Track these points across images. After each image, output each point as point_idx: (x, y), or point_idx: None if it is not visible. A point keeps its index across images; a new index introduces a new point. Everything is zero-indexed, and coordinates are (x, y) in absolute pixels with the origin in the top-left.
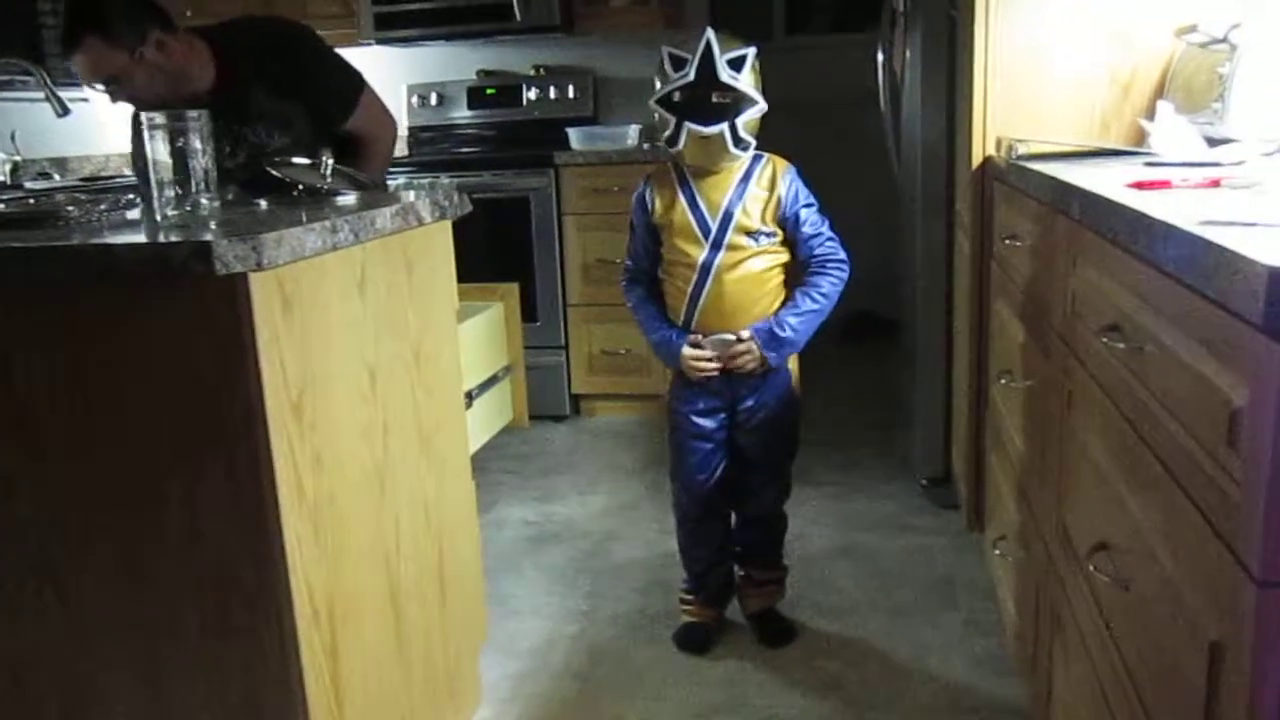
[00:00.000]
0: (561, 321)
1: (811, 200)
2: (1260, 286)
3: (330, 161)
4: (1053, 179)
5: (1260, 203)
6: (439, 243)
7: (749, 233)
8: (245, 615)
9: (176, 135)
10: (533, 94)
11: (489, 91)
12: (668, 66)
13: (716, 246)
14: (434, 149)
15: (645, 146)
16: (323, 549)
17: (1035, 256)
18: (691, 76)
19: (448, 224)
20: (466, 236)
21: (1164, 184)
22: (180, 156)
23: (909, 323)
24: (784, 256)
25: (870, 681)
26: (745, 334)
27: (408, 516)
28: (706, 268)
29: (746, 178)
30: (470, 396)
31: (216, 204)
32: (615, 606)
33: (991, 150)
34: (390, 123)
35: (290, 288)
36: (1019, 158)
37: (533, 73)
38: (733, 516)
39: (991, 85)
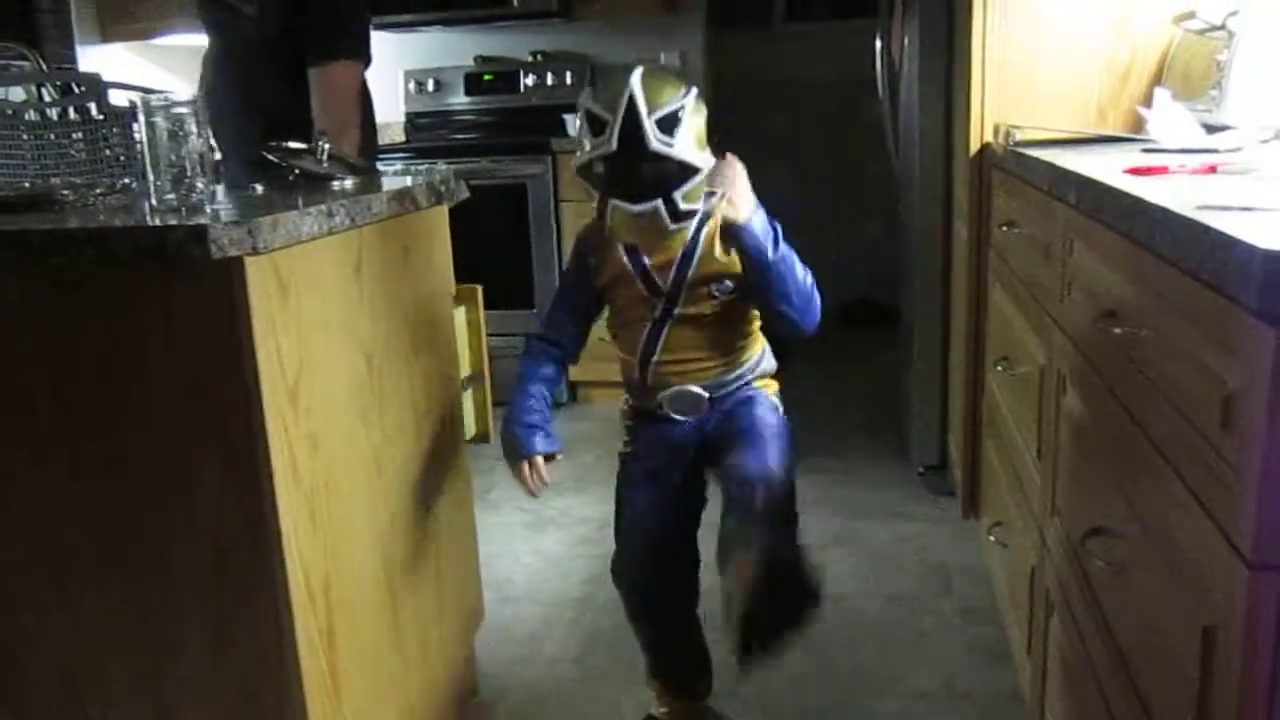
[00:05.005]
0: None
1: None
2: (1256, 270)
3: (327, 146)
4: (1050, 165)
5: (1257, 188)
6: (436, 228)
7: (706, 285)
8: (241, 598)
9: (174, 119)
10: (530, 80)
11: (486, 77)
12: (584, 128)
13: (672, 301)
14: (431, 135)
15: None
16: (318, 532)
17: (1032, 243)
18: (614, 146)
19: (444, 209)
20: (464, 222)
21: (1161, 170)
22: (176, 140)
23: (907, 309)
24: (749, 308)
25: (866, 667)
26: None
27: (403, 500)
28: (661, 320)
29: (699, 227)
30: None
31: (213, 189)
32: (612, 592)
33: (989, 137)
34: (351, 119)
35: (286, 272)
36: (1017, 144)
37: (530, 59)
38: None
39: (989, 72)
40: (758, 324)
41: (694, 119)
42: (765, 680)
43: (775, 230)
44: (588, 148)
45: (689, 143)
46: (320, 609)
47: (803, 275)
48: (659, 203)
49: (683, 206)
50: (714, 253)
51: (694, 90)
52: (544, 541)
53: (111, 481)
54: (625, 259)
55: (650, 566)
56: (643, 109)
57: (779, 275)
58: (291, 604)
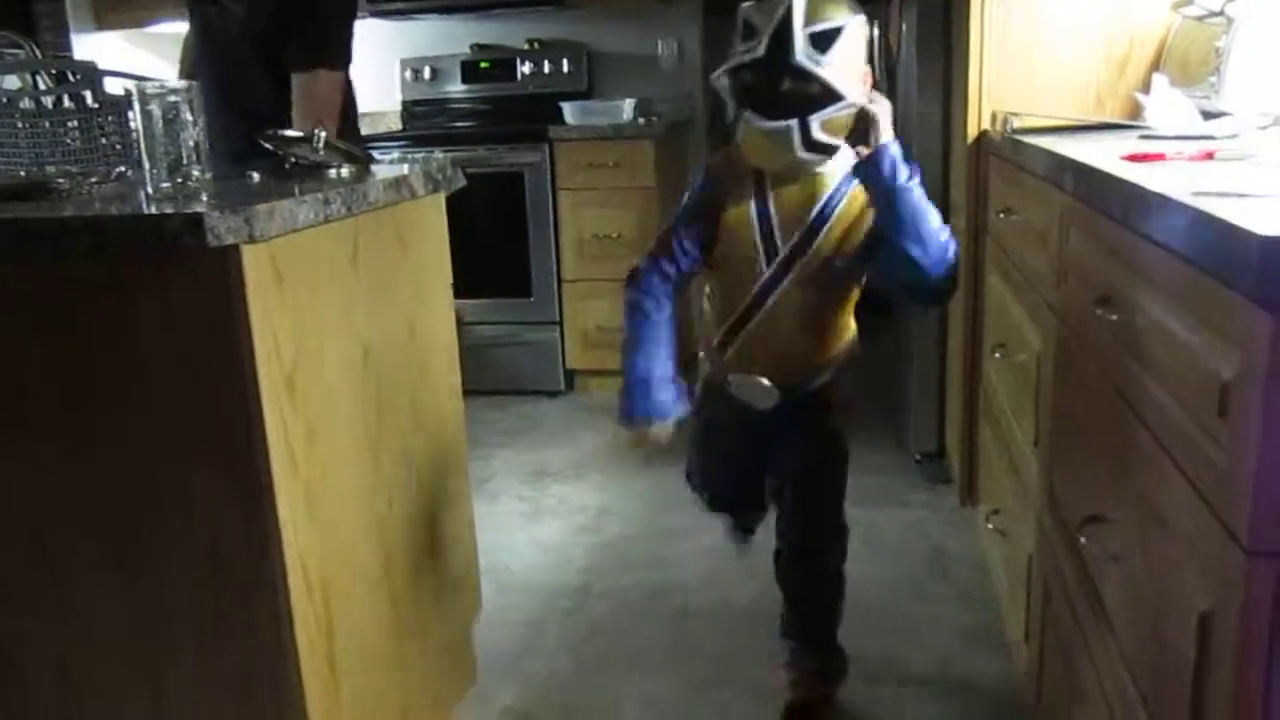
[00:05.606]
0: (556, 297)
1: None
2: (1253, 256)
3: (323, 134)
4: (1048, 152)
5: (1254, 174)
6: (432, 216)
7: (828, 259)
8: (239, 589)
9: (169, 107)
10: (527, 68)
11: (483, 65)
12: (737, 35)
13: (783, 270)
14: (427, 123)
15: (640, 121)
16: (316, 522)
17: (1029, 230)
18: (760, 53)
19: (441, 197)
20: (461, 211)
21: (1158, 157)
22: (172, 128)
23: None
24: (856, 292)
25: (863, 654)
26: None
27: (401, 490)
28: (765, 291)
29: (842, 185)
30: None
31: (209, 176)
32: (610, 581)
33: (987, 124)
34: (330, 122)
35: (283, 260)
36: (1014, 131)
37: (527, 47)
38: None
39: (987, 59)
40: (851, 315)
41: (854, 46)
42: (763, 663)
43: (911, 168)
44: (736, 52)
45: (842, 68)
46: (318, 600)
47: (937, 224)
48: (793, 123)
49: (818, 136)
50: (838, 236)
51: (862, 16)
52: (542, 531)
53: (108, 474)
54: (751, 196)
55: (724, 481)
56: (798, 20)
57: (911, 209)
58: (290, 596)
